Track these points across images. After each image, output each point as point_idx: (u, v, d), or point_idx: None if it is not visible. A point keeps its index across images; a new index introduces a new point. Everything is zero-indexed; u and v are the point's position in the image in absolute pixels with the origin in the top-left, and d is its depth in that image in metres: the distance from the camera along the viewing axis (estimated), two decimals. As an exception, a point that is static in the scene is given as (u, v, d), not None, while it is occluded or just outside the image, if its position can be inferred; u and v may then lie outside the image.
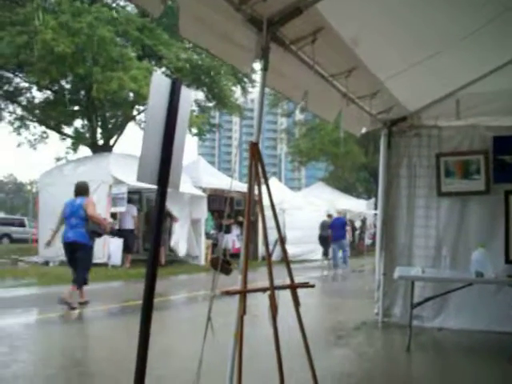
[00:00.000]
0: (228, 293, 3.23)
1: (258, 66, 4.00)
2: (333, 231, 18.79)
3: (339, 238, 18.66)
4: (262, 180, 3.50)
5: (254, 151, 3.47)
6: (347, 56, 4.98)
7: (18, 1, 21.73)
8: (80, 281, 9.11)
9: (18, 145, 26.84)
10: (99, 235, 9.59)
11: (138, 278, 13.67)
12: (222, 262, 3.52)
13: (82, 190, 9.45)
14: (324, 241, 19.52)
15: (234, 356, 3.46)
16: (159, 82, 3.78)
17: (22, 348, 6.33)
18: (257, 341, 5.36)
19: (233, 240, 19.02)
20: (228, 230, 18.40)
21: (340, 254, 18.94)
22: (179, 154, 3.85)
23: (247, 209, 3.44)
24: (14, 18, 20.32)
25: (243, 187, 17.93)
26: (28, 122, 26.07)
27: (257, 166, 3.45)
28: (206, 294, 10.87)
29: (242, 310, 3.20)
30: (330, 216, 20.14)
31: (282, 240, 3.58)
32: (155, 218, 3.71)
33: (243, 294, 3.23)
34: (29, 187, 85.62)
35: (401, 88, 6.24)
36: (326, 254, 19.89)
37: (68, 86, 24.50)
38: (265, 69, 3.74)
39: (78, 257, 9.02)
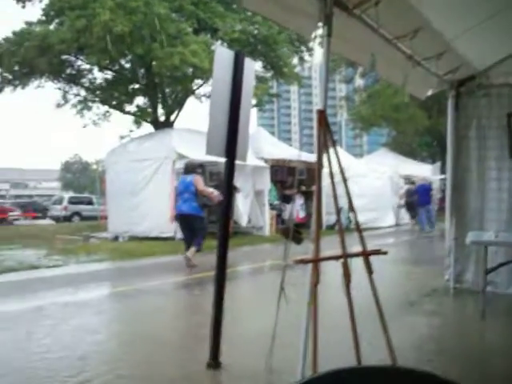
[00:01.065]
0: (301, 261, 3.24)
1: (318, 32, 3.93)
2: (419, 197, 19.92)
3: (425, 203, 19.85)
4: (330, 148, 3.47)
5: (322, 118, 3.43)
6: (412, 16, 4.82)
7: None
8: (197, 245, 10.55)
9: (84, 126, 27.50)
10: (209, 206, 11.48)
11: (206, 250, 13.94)
12: (293, 232, 3.52)
13: (190, 168, 10.96)
14: (410, 206, 21.02)
15: (307, 325, 3.48)
16: (223, 55, 3.77)
17: (102, 319, 6.60)
18: (329, 309, 5.37)
19: (296, 210, 19.00)
20: (292, 200, 18.37)
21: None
22: (245, 125, 3.86)
23: (317, 177, 3.41)
24: (72, 3, 20.75)
25: (306, 156, 17.87)
26: (90, 104, 26.66)
27: (325, 134, 3.41)
28: (273, 264, 10.98)
29: (316, 279, 3.20)
30: (413, 183, 21.40)
31: (353, 208, 3.55)
32: (225, 190, 3.75)
33: (316, 262, 3.22)
34: (94, 166, 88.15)
35: (469, 46, 6.00)
36: (413, 217, 21.36)
37: (128, 65, 24.91)
38: (329, 34, 3.67)
39: (194, 227, 10.56)
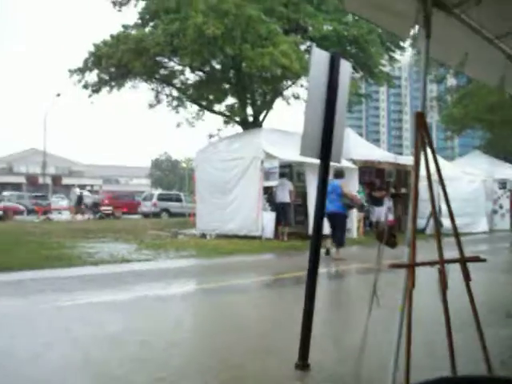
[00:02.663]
0: (396, 266, 3.19)
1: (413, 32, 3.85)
2: None
3: None
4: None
5: (420, 121, 3.36)
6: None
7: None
8: (339, 241, 12.25)
9: (178, 125, 28.23)
10: (351, 207, 13.48)
11: (292, 250, 13.99)
12: (387, 235, 3.47)
13: (339, 173, 12.44)
14: None
15: (400, 331, 3.41)
16: (319, 56, 3.77)
17: (189, 313, 6.78)
18: (420, 315, 5.24)
19: (385, 212, 18.66)
20: (380, 203, 18.07)
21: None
22: (340, 127, 3.84)
23: (414, 180, 3.34)
24: (167, 6, 21.40)
25: (394, 158, 17.55)
26: (185, 102, 27.36)
27: (423, 137, 3.34)
28: (361, 268, 10.84)
29: (411, 284, 3.13)
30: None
31: (451, 213, 3.45)
32: (319, 191, 3.75)
33: (411, 267, 3.16)
34: (183, 164, 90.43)
35: None
36: None
37: (218, 66, 25.38)
38: (428, 36, 3.58)
39: (337, 224, 12.24)
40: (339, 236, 12.25)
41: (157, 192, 41.51)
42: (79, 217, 32.59)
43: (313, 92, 3.87)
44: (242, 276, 9.98)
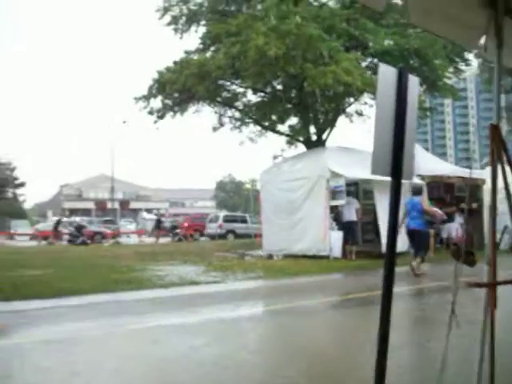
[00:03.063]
0: (477, 285, 3.05)
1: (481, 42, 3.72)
2: None
3: None
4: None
5: (495, 134, 3.23)
6: None
7: (230, 13, 23.29)
8: (421, 257, 12.06)
9: (241, 143, 28.43)
10: (433, 224, 13.93)
11: (360, 270, 13.76)
12: (465, 253, 3.34)
13: (418, 190, 12.64)
14: None
15: (482, 351, 3.25)
16: (386, 72, 3.71)
17: (258, 335, 6.73)
18: (503, 335, 5.01)
19: (456, 228, 18.11)
20: (450, 219, 17.56)
21: None
22: (411, 143, 3.74)
23: (492, 194, 3.21)
24: (228, 30, 21.76)
25: (464, 172, 17.00)
26: (247, 120, 27.53)
27: (499, 149, 3.21)
28: (437, 286, 10.53)
29: (493, 304, 2.99)
30: None
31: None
32: (392, 209, 3.65)
33: (493, 286, 3.02)
34: (247, 185, 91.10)
35: None
36: None
37: (279, 87, 25.50)
38: (499, 45, 3.46)
39: (418, 241, 12.23)
40: (421, 253, 12.15)
41: (222, 214, 41.88)
42: (153, 239, 33.37)
43: (381, 109, 3.80)
44: (309, 297, 9.86)
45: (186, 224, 38.09)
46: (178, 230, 35.80)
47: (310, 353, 5.76)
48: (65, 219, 37.80)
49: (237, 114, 27.40)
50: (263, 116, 26.39)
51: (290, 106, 25.72)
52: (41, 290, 10.07)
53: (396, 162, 3.56)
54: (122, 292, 10.24)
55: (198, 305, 9.05)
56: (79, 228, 33.23)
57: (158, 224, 35.12)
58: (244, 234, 33.78)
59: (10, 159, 77.48)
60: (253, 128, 27.70)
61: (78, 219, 42.43)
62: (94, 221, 47.91)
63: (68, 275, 12.73)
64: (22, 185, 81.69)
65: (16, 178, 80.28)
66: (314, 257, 15.67)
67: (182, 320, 7.69)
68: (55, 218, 42.11)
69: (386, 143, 3.53)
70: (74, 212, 73.23)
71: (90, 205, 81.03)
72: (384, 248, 4.08)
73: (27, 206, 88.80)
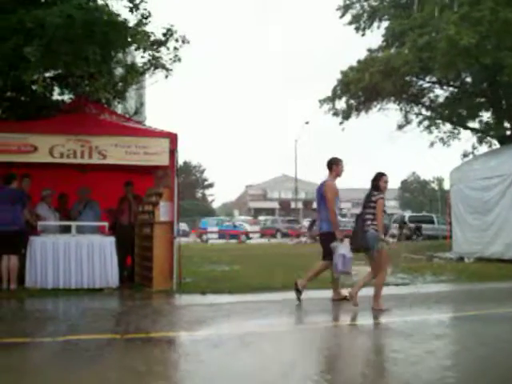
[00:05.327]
0: None
1: None
2: None
3: None
4: None
5: None
6: None
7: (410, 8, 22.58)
8: None
9: (431, 144, 27.18)
10: None
11: None
12: None
13: None
14: None
15: None
16: None
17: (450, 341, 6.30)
18: None
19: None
20: None
21: None
22: None
23: None
24: (412, 24, 21.08)
25: None
26: (437, 121, 26.37)
27: None
28: None
29: None
30: None
31: None
32: None
33: None
34: (433, 184, 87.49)
35: None
36: None
37: (469, 79, 24.11)
38: None
39: None
40: None
41: (407, 214, 40.64)
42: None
43: None
44: (507, 304, 9.04)
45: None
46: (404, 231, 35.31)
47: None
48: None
49: (424, 111, 26.40)
50: (452, 112, 25.08)
51: (481, 99, 24.20)
52: (231, 286, 10.48)
53: None
54: (310, 290, 10.27)
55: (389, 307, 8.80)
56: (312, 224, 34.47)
57: (311, 226, 35.08)
58: (431, 235, 32.48)
59: (200, 162, 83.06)
60: (443, 127, 26.40)
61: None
62: (277, 220, 49.33)
63: (255, 272, 13.12)
64: (211, 185, 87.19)
65: (205, 180, 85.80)
66: (510, 261, 14.48)
67: (370, 322, 7.53)
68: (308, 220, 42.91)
69: None
70: (258, 212, 76.18)
71: (274, 204, 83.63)
72: None
73: (215, 205, 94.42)
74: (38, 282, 9.56)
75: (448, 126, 26.33)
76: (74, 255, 9.72)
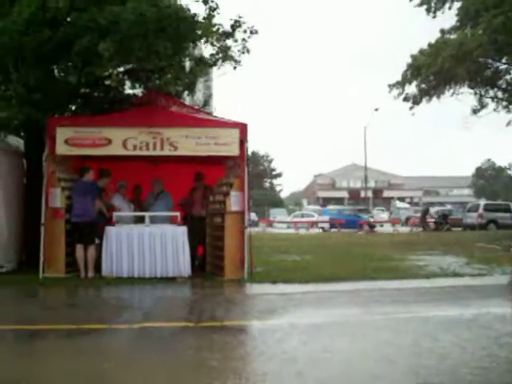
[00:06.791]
0: None
1: None
2: None
3: None
4: None
5: None
6: None
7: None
8: None
9: (508, 123, 26.05)
10: None
11: None
12: None
13: None
14: None
15: None
16: None
17: None
18: None
19: None
20: None
21: None
22: None
23: None
24: (487, 3, 20.22)
25: None
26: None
27: None
28: None
29: None
30: None
31: None
32: None
33: None
34: (509, 171, 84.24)
35: None
36: None
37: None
38: None
39: None
40: None
41: (482, 202, 39.20)
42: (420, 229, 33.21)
43: None
44: None
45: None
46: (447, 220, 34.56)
47: None
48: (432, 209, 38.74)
49: (499, 94, 25.35)
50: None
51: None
52: (302, 275, 10.46)
53: None
54: (383, 280, 10.14)
55: (465, 298, 8.57)
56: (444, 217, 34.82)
57: (425, 213, 34.55)
58: (507, 224, 31.21)
59: (267, 152, 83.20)
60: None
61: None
62: (346, 209, 48.76)
63: (326, 262, 13.05)
64: (279, 175, 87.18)
65: (273, 169, 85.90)
66: None
67: (454, 313, 7.27)
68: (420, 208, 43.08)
69: None
70: (327, 201, 75.67)
71: (343, 194, 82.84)
72: None
73: (284, 195, 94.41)
74: (114, 270, 9.87)
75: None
76: (148, 245, 9.95)
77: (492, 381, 4.40)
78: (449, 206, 41.26)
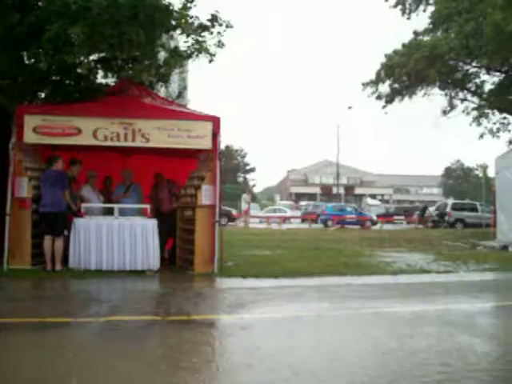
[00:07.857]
0: None
1: None
2: None
3: None
4: None
5: None
6: None
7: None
8: None
9: (481, 136, 26.38)
10: None
11: None
12: None
13: None
14: None
15: None
16: None
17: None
18: None
19: None
20: None
21: None
22: None
23: None
24: (460, 8, 20.51)
25: None
26: (486, 110, 25.53)
27: None
28: None
29: None
30: None
31: None
32: None
33: None
34: (477, 172, 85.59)
35: None
36: None
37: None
38: None
39: None
40: None
41: (450, 201, 39.83)
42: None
43: None
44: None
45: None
46: (446, 218, 34.98)
47: None
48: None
49: (469, 97, 25.72)
50: (500, 99, 24.30)
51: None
52: (273, 270, 10.48)
53: None
54: (351, 276, 10.21)
55: (431, 294, 8.70)
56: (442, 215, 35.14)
57: (423, 211, 36.12)
58: (474, 223, 31.80)
59: (241, 146, 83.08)
60: (492, 117, 25.61)
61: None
62: (319, 205, 48.92)
63: (296, 257, 13.10)
64: (252, 170, 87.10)
65: (247, 164, 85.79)
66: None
67: (418, 308, 7.41)
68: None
69: None
70: (299, 197, 75.99)
71: (316, 190, 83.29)
72: None
73: (257, 190, 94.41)
74: (82, 263, 9.71)
75: (497, 116, 25.53)
76: (117, 237, 9.82)
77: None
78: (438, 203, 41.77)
